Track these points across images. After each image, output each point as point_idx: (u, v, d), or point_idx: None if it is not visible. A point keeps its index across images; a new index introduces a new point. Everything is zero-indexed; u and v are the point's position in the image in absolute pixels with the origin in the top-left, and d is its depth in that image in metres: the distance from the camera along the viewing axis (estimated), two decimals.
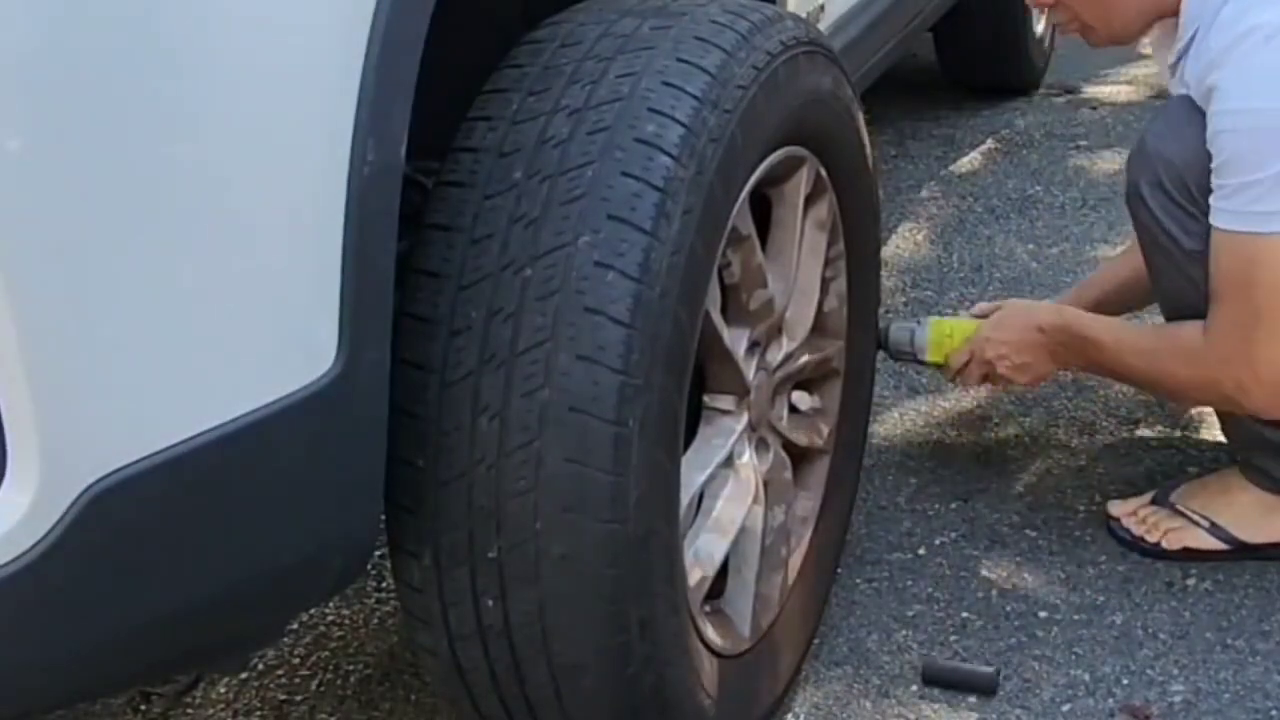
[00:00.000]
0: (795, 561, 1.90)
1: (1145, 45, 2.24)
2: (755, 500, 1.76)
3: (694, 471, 1.64)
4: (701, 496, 1.71)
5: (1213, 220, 1.87)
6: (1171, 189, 1.92)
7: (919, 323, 2.34)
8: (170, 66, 1.16)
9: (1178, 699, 1.88)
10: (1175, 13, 1.97)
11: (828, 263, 1.88)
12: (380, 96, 1.29)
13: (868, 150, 1.91)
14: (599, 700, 1.49)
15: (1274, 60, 1.81)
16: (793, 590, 1.88)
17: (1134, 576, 2.12)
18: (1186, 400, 2.31)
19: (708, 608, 1.71)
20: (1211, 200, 1.87)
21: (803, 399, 1.94)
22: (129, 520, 1.18)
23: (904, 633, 2.04)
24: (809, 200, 1.81)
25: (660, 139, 1.41)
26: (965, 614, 2.07)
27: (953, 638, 2.02)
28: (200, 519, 1.24)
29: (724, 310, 1.65)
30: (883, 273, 3.18)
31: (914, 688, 1.93)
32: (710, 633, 1.67)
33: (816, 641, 2.03)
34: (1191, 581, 2.09)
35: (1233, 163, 1.83)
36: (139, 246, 1.16)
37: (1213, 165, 1.85)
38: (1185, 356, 1.96)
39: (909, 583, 2.14)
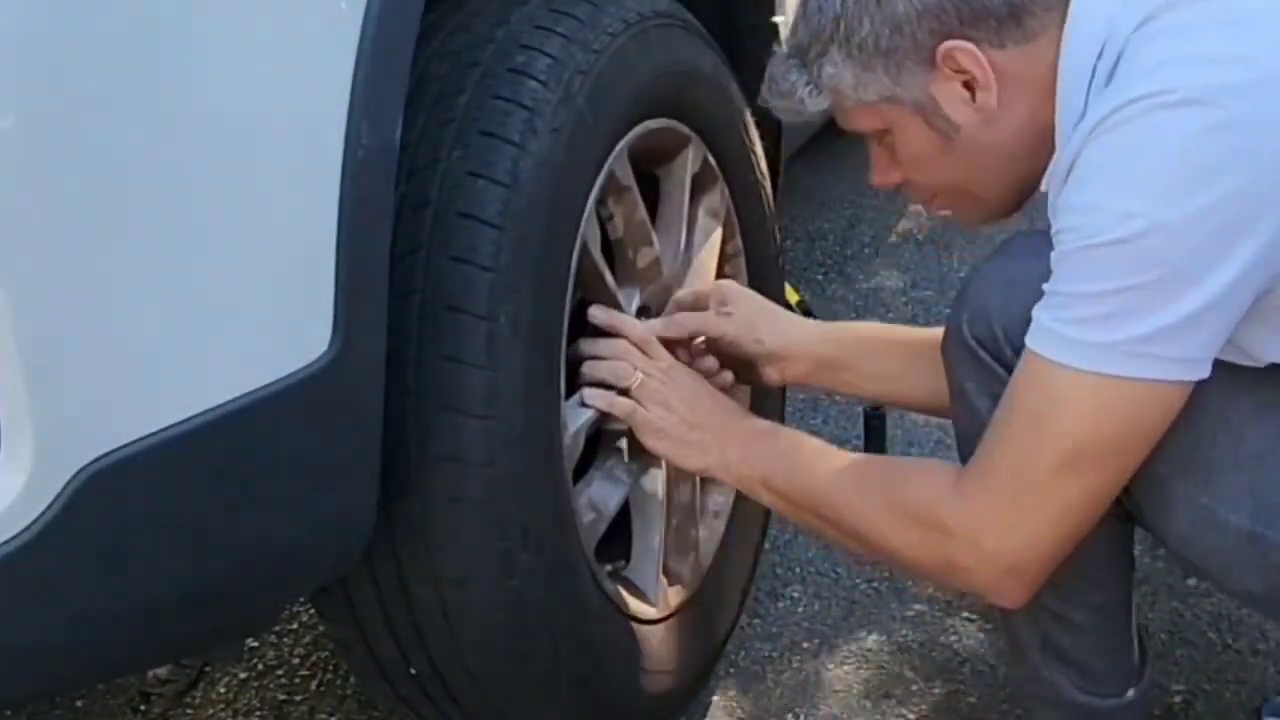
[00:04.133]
0: (709, 548, 1.91)
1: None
2: (653, 463, 1.79)
3: (581, 410, 1.66)
4: (597, 448, 1.75)
5: (1027, 340, 1.38)
6: (985, 345, 1.49)
7: None
8: (163, 51, 1.17)
9: (1178, 699, 1.88)
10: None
11: (726, 259, 1.93)
12: (375, 79, 1.30)
13: (756, 148, 1.98)
14: (487, 619, 1.51)
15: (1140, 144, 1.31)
16: (709, 576, 1.89)
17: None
18: (895, 559, 1.59)
19: (609, 567, 1.73)
20: (1035, 308, 1.38)
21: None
22: (123, 502, 1.18)
23: (904, 633, 2.04)
24: (700, 185, 1.87)
25: (529, 67, 1.52)
26: (966, 614, 2.07)
27: (953, 638, 2.02)
28: (194, 501, 1.25)
29: (612, 268, 1.71)
30: (883, 273, 3.20)
31: (914, 688, 1.93)
32: (612, 589, 1.69)
33: (816, 641, 2.03)
34: (1192, 581, 2.09)
35: (1071, 264, 1.34)
36: (133, 231, 1.16)
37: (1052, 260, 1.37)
38: (918, 519, 1.46)
39: (909, 583, 2.14)
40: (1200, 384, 1.37)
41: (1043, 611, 1.57)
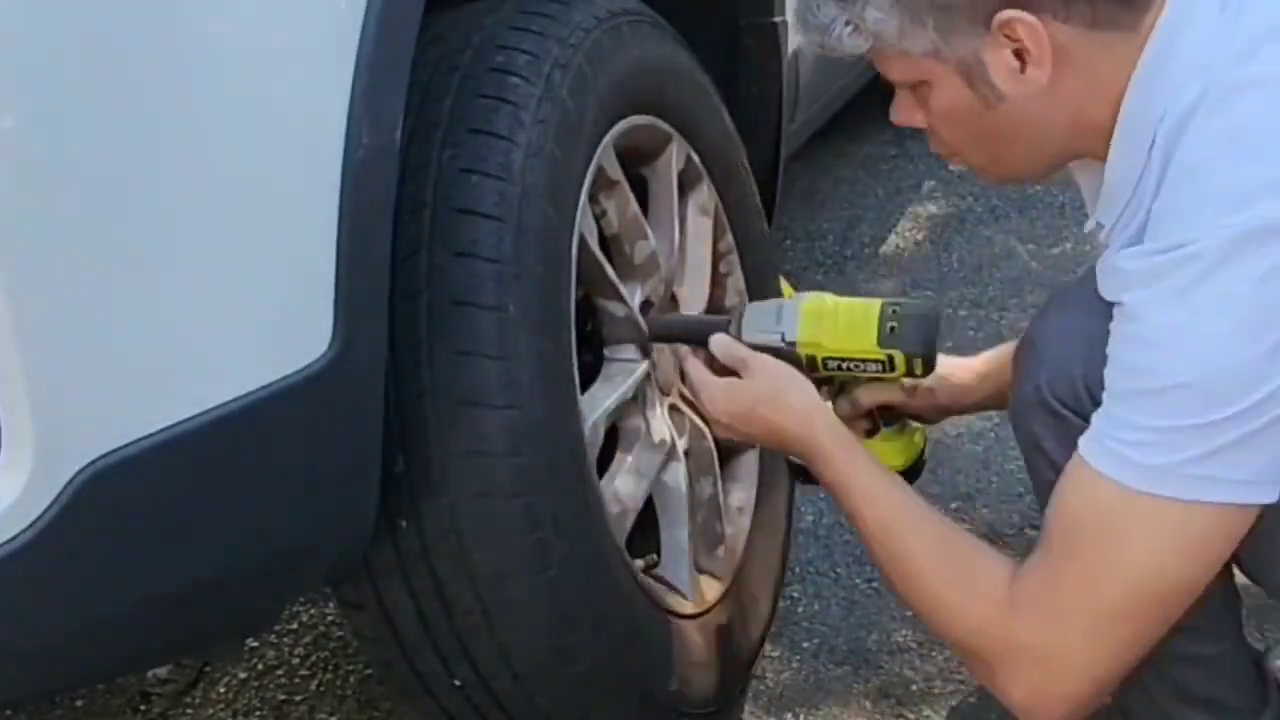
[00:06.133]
0: (736, 543, 1.91)
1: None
2: (673, 457, 1.80)
3: (597, 401, 1.67)
4: (615, 444, 1.75)
5: (1081, 443, 1.34)
6: (1067, 403, 1.43)
7: (790, 299, 1.75)
8: (164, 51, 1.17)
9: None
10: (1099, 155, 1.40)
11: (720, 255, 1.94)
12: (376, 78, 1.30)
13: (738, 145, 1.99)
14: (528, 614, 1.50)
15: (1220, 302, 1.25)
16: (740, 572, 1.89)
17: None
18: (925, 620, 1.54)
19: (640, 563, 1.73)
20: (1093, 417, 1.35)
21: None
22: (124, 502, 1.18)
23: (904, 633, 2.03)
24: (687, 183, 1.88)
25: (509, 65, 1.54)
26: None
27: None
28: (195, 501, 1.25)
29: (611, 263, 1.71)
30: (883, 273, 3.20)
31: (914, 688, 1.93)
32: (647, 583, 1.69)
33: (816, 641, 2.03)
34: None
35: (1126, 398, 1.31)
36: (133, 231, 1.16)
37: (1107, 372, 1.34)
38: (971, 620, 1.41)
39: None
40: None
41: (1178, 663, 1.49)
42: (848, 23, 1.38)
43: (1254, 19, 1.32)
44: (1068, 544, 1.34)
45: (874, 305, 1.66)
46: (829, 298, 1.70)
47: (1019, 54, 1.33)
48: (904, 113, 1.47)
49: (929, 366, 1.66)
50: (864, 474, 1.53)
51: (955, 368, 1.79)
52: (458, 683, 1.56)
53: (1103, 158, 1.39)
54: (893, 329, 1.63)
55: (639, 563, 1.72)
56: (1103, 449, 1.31)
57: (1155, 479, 1.28)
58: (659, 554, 1.80)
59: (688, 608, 1.76)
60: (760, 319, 1.69)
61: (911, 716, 1.89)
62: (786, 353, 1.66)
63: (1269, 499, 1.30)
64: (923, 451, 1.80)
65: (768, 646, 2.02)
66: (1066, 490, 1.35)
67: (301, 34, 1.28)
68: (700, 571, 1.82)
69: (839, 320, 1.66)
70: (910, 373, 1.66)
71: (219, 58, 1.21)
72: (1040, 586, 1.35)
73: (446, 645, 1.53)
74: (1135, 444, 1.29)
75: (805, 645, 2.03)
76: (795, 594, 2.13)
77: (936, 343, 1.65)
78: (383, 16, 1.31)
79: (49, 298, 1.12)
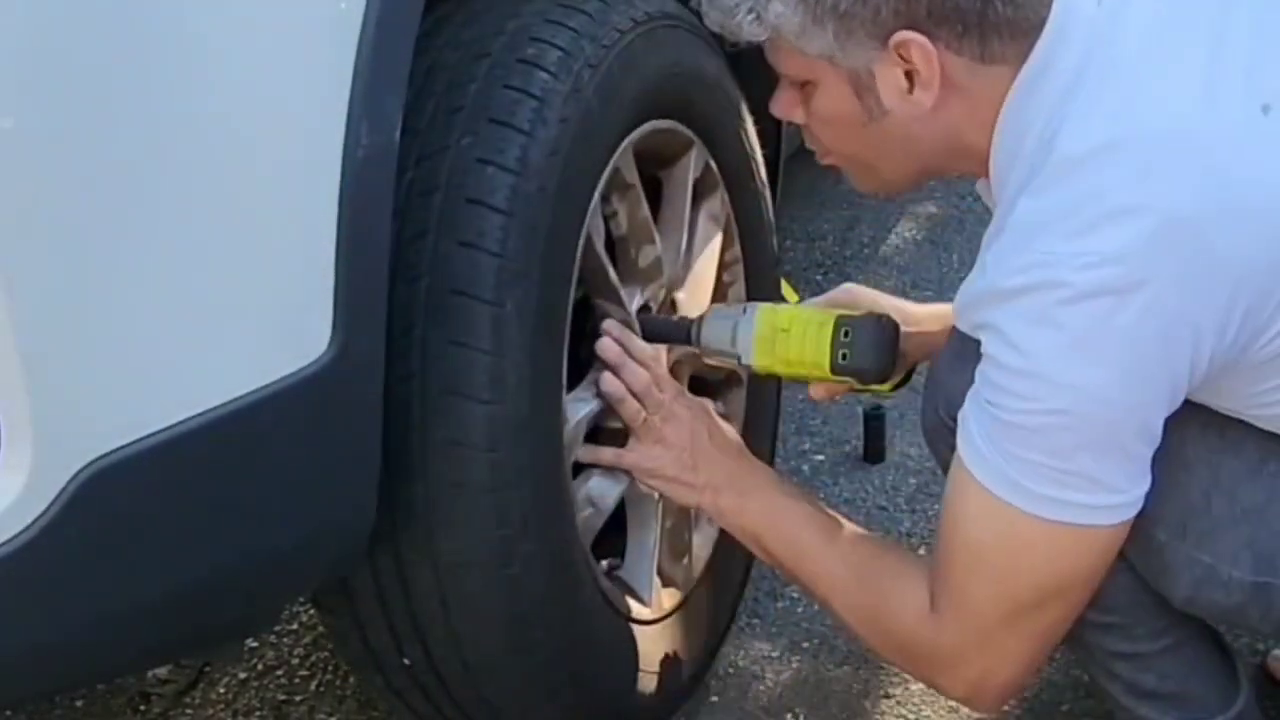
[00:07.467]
0: (702, 552, 1.90)
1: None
2: None
3: (582, 403, 1.67)
4: (597, 442, 1.74)
5: (971, 466, 1.39)
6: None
7: (744, 311, 1.72)
8: (162, 51, 1.17)
9: None
10: (977, 173, 1.48)
11: (725, 265, 1.94)
12: (375, 80, 1.30)
13: (757, 156, 1.98)
14: (486, 607, 1.51)
15: (1074, 334, 1.30)
16: (700, 582, 1.89)
17: None
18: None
19: (604, 563, 1.73)
20: (973, 435, 1.39)
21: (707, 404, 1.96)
22: (123, 502, 1.19)
23: None
24: (702, 190, 1.87)
25: (539, 59, 1.53)
26: None
27: None
28: (194, 502, 1.25)
29: (614, 265, 1.71)
30: (883, 273, 3.20)
31: (914, 688, 1.93)
32: (608, 586, 1.69)
33: (816, 641, 2.03)
34: None
35: (1024, 433, 1.34)
36: (133, 231, 1.16)
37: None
38: (900, 636, 1.51)
39: None
40: (1188, 449, 1.39)
41: (1113, 659, 1.55)
42: (750, 10, 1.41)
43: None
44: (973, 560, 1.41)
45: (827, 326, 1.68)
46: (783, 311, 1.72)
47: (909, 75, 1.38)
48: (785, 106, 1.52)
49: (885, 380, 1.70)
50: (764, 506, 1.61)
51: (926, 318, 1.77)
52: (407, 662, 1.57)
53: (983, 174, 1.45)
54: (845, 355, 1.66)
55: (603, 564, 1.72)
56: (1001, 476, 1.36)
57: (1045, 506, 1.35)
58: (624, 555, 1.80)
59: (644, 614, 1.76)
60: (717, 333, 1.72)
61: (911, 717, 1.89)
62: (744, 369, 1.74)
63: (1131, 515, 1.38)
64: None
65: (768, 646, 2.03)
66: (973, 519, 1.40)
67: (301, 35, 1.28)
68: (663, 577, 1.82)
69: (791, 345, 1.69)
70: (867, 386, 1.71)
71: (219, 58, 1.21)
72: (954, 597, 1.43)
73: (401, 626, 1.54)
74: (1035, 476, 1.35)
75: (805, 645, 2.03)
76: (795, 594, 2.13)
77: (892, 359, 1.68)
78: (381, 18, 1.31)
79: (49, 298, 1.12)
